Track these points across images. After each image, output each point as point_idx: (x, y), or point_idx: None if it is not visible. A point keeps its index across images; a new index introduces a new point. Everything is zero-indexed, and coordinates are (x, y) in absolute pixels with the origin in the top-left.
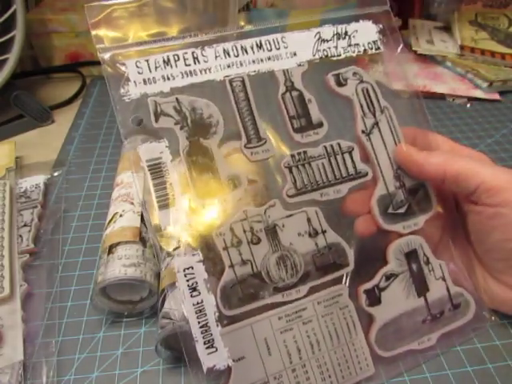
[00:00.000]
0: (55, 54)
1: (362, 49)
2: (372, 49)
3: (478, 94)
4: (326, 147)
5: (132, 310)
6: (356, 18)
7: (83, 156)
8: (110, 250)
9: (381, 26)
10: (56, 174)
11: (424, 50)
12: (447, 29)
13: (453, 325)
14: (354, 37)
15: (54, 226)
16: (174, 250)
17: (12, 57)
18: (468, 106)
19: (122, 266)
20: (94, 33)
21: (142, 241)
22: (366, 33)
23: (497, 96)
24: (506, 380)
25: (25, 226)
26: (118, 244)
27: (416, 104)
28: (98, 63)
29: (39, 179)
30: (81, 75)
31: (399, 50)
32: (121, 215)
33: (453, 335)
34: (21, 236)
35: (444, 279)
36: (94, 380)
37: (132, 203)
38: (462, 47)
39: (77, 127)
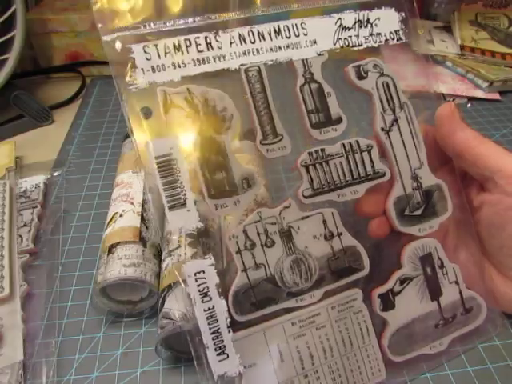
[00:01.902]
0: (55, 53)
1: (383, 39)
2: (394, 39)
3: (479, 93)
4: (344, 145)
5: (132, 310)
6: (378, 4)
7: (83, 156)
8: (110, 250)
9: (403, 14)
10: (56, 173)
11: (424, 49)
12: (447, 29)
13: (465, 329)
14: (376, 25)
15: (53, 225)
16: (175, 249)
17: (12, 57)
18: (468, 105)
19: (121, 266)
20: (95, 9)
21: (142, 241)
22: (388, 21)
23: (497, 96)
24: (507, 380)
25: (25, 226)
26: (117, 244)
27: (417, 104)
28: (98, 63)
29: (39, 179)
30: (81, 75)
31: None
32: (121, 215)
33: (464, 339)
34: (21, 236)
35: (457, 283)
36: (93, 380)
37: (132, 203)
38: (462, 47)
39: (77, 127)
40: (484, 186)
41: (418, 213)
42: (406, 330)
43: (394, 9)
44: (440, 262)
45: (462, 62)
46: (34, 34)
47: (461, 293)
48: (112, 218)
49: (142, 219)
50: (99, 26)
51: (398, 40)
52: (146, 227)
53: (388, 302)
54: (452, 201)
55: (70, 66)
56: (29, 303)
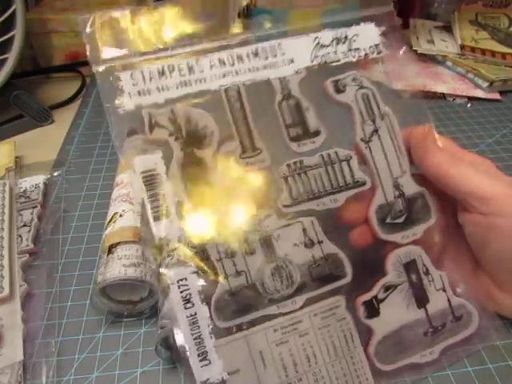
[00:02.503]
0: (55, 53)
1: (362, 53)
2: (374, 53)
3: (479, 93)
4: (323, 156)
5: (132, 310)
6: (357, 21)
7: (83, 156)
8: (110, 250)
9: (384, 28)
10: (56, 173)
11: (424, 49)
12: (448, 28)
13: (456, 337)
14: (354, 41)
15: (53, 226)
16: (175, 249)
17: (12, 56)
18: (468, 105)
19: (121, 266)
20: (88, 45)
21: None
22: (367, 36)
23: (497, 96)
24: (507, 380)
25: (24, 225)
26: (117, 244)
27: (417, 104)
28: None
29: (39, 179)
30: (81, 75)
31: (402, 51)
32: (121, 215)
33: (457, 348)
34: (20, 236)
35: (444, 290)
36: (93, 380)
37: (132, 203)
38: (462, 47)
39: (76, 127)
40: (462, 206)
41: (400, 220)
42: (394, 338)
43: (373, 23)
44: (425, 268)
45: (462, 62)
46: (34, 33)
47: (449, 300)
48: (112, 217)
49: (142, 219)
50: (91, 58)
51: (378, 53)
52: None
53: (372, 309)
54: (436, 208)
55: (70, 66)
56: (29, 303)
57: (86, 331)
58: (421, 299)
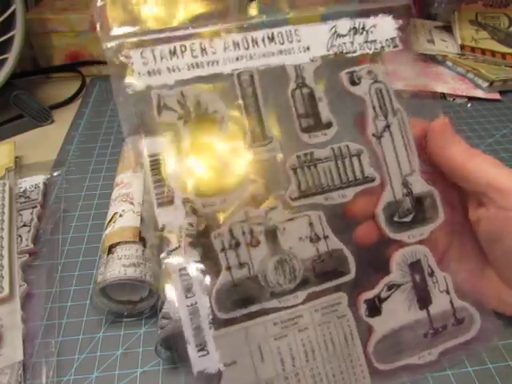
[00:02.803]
0: (55, 53)
1: (378, 46)
2: (390, 46)
3: (479, 93)
4: (333, 149)
5: (132, 310)
6: (375, 12)
7: (83, 156)
8: (110, 250)
9: (401, 21)
10: (55, 173)
11: (424, 49)
12: (448, 28)
13: (456, 340)
14: (371, 32)
15: (53, 226)
16: (174, 250)
17: (11, 56)
18: (468, 105)
19: (121, 266)
20: (98, 19)
21: (142, 241)
22: (384, 29)
23: (497, 96)
24: (507, 380)
25: (24, 226)
26: (117, 244)
27: (418, 104)
28: (97, 63)
29: (39, 179)
30: (80, 75)
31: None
32: (120, 215)
33: (456, 351)
34: (20, 236)
35: (448, 292)
36: (93, 380)
37: (132, 203)
38: (462, 47)
39: (76, 127)
40: (479, 201)
41: (407, 219)
42: (393, 337)
43: (391, 16)
44: (430, 269)
45: (462, 62)
46: (34, 33)
47: (452, 303)
48: (112, 217)
49: (142, 219)
50: (101, 34)
51: (394, 47)
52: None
53: (374, 307)
54: (444, 207)
55: (70, 66)
56: (28, 303)
57: (86, 331)
58: (423, 300)
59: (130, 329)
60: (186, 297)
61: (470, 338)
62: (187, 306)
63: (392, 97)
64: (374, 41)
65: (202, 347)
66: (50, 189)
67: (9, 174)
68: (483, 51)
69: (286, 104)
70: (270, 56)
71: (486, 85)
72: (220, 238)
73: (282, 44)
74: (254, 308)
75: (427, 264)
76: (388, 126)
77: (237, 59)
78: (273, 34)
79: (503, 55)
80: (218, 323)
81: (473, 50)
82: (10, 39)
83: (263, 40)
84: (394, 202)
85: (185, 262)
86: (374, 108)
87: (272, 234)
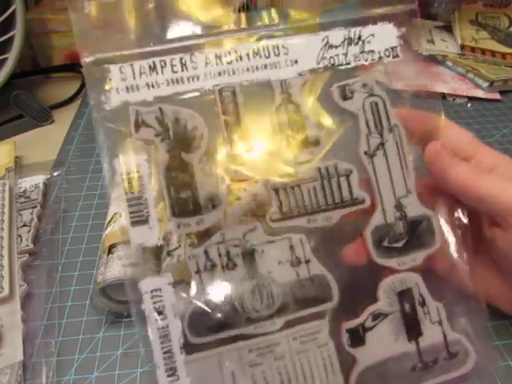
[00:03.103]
0: (55, 53)
1: (376, 56)
2: (389, 56)
3: (479, 93)
4: (320, 169)
5: None
6: (373, 20)
7: (83, 156)
8: (110, 250)
9: (403, 29)
10: (55, 173)
11: (424, 49)
12: (448, 28)
13: (448, 375)
14: (368, 42)
15: (53, 226)
16: (174, 250)
17: (11, 56)
18: (469, 105)
19: (121, 266)
20: (77, 34)
21: None
22: (384, 37)
23: (497, 96)
24: (507, 380)
25: (24, 226)
26: (117, 244)
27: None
28: None
29: (39, 179)
30: (81, 75)
31: (413, 55)
32: (120, 215)
33: None
34: (20, 236)
35: (440, 323)
36: (93, 380)
37: None
38: (462, 47)
39: (76, 127)
40: (493, 219)
41: (398, 244)
42: (377, 369)
43: (392, 24)
44: (421, 299)
45: (462, 62)
46: (34, 33)
47: (445, 335)
48: (112, 217)
49: None
50: (80, 48)
51: (393, 57)
52: None
53: (357, 337)
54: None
55: (70, 66)
56: (28, 303)
57: (86, 331)
58: (413, 331)
59: (129, 329)
60: (157, 319)
61: (463, 374)
62: (158, 328)
63: (389, 111)
64: (372, 51)
65: (172, 372)
66: (50, 189)
67: (9, 173)
68: (483, 51)
69: (270, 121)
70: (255, 70)
71: (486, 85)
72: (195, 259)
73: (268, 57)
74: (228, 334)
75: (418, 293)
76: (382, 144)
77: (219, 74)
78: (258, 47)
79: (503, 55)
80: (189, 348)
81: (473, 49)
82: (10, 39)
83: (247, 54)
84: (384, 225)
85: (157, 284)
86: (367, 124)
87: (250, 257)
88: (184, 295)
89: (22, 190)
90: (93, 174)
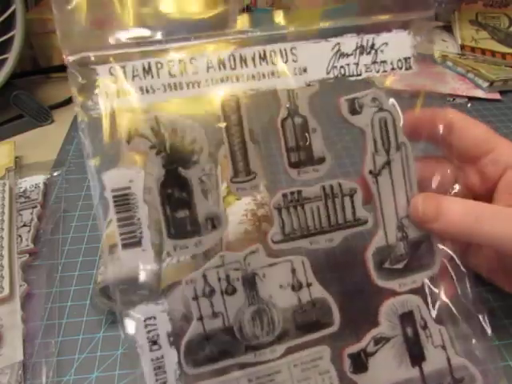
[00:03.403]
0: (55, 53)
1: (389, 67)
2: (402, 68)
3: (479, 93)
4: (324, 187)
5: None
6: (388, 26)
7: (83, 156)
8: (110, 250)
9: (418, 38)
10: (56, 173)
11: (424, 49)
12: (448, 28)
13: None
14: (381, 51)
15: (53, 226)
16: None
17: (11, 56)
18: (469, 105)
19: (122, 266)
20: (59, 26)
21: None
22: (397, 46)
23: (497, 96)
24: (507, 380)
25: (24, 226)
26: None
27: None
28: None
29: (39, 179)
30: None
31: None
32: None
33: None
34: (20, 236)
35: (444, 348)
36: (93, 380)
37: None
38: (462, 47)
39: (76, 127)
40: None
41: (399, 266)
42: None
43: (407, 31)
44: (423, 322)
45: (462, 62)
46: (34, 33)
47: (449, 359)
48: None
49: None
50: (63, 45)
51: (406, 69)
52: None
53: (360, 363)
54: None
55: None
56: (29, 303)
57: (86, 331)
58: (416, 356)
59: None
60: (151, 350)
61: None
62: (152, 359)
63: (398, 128)
64: (384, 62)
65: None
66: (50, 189)
67: (9, 173)
68: (483, 51)
69: (276, 134)
70: (260, 78)
71: (486, 85)
72: (192, 284)
73: (275, 64)
74: (227, 363)
75: (420, 316)
76: (388, 163)
77: (221, 81)
78: (265, 51)
79: (503, 55)
80: (186, 379)
81: (473, 50)
82: (10, 39)
83: (253, 59)
84: (385, 246)
85: (151, 311)
86: (375, 141)
87: (250, 281)
88: (180, 323)
89: (22, 189)
90: None
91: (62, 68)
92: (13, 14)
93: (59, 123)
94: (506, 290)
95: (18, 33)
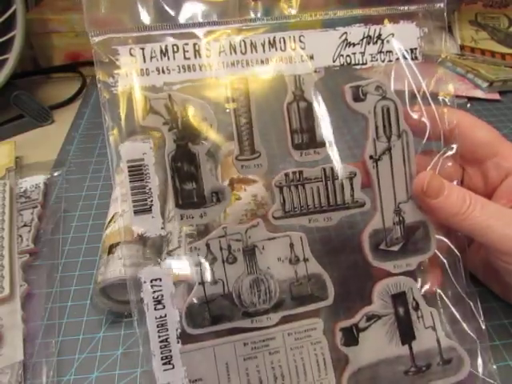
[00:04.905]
0: (55, 53)
1: (394, 57)
2: (407, 59)
3: (478, 93)
4: (324, 169)
5: None
6: (395, 18)
7: (83, 156)
8: (110, 249)
9: (426, 29)
10: (56, 173)
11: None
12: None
13: (441, 381)
14: (388, 41)
15: (53, 226)
16: (174, 250)
17: (12, 57)
18: (468, 106)
19: (122, 265)
20: (86, 11)
21: (143, 241)
22: (404, 37)
23: (497, 96)
24: (507, 380)
25: (25, 225)
26: (118, 244)
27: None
28: None
29: (39, 179)
30: (81, 75)
31: (438, 61)
32: (121, 215)
33: None
34: (21, 236)
35: (434, 329)
36: (93, 380)
37: None
38: (462, 47)
39: (77, 127)
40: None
41: (394, 248)
42: (370, 371)
43: (414, 23)
44: (415, 303)
45: (461, 62)
46: (34, 33)
47: (438, 341)
48: (112, 217)
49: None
50: (89, 28)
51: (412, 59)
52: None
53: (351, 337)
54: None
55: (70, 66)
56: (29, 303)
57: (86, 331)
58: (406, 335)
59: (130, 329)
60: (156, 308)
61: (457, 381)
62: (156, 317)
63: (400, 116)
64: (390, 52)
65: (167, 361)
66: (50, 189)
67: (9, 173)
68: (483, 51)
69: (280, 117)
70: (269, 63)
71: (485, 85)
72: (196, 251)
73: (284, 50)
74: (224, 326)
75: (412, 297)
76: (389, 149)
77: (232, 64)
78: (274, 38)
79: (503, 55)
80: (186, 338)
81: (472, 50)
82: (11, 39)
83: (263, 44)
84: (382, 229)
85: (157, 273)
86: (376, 128)
87: (250, 253)
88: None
89: (22, 189)
90: (93, 174)
91: (62, 68)
92: (13, 14)
93: (59, 123)
94: (501, 296)
95: (18, 33)
